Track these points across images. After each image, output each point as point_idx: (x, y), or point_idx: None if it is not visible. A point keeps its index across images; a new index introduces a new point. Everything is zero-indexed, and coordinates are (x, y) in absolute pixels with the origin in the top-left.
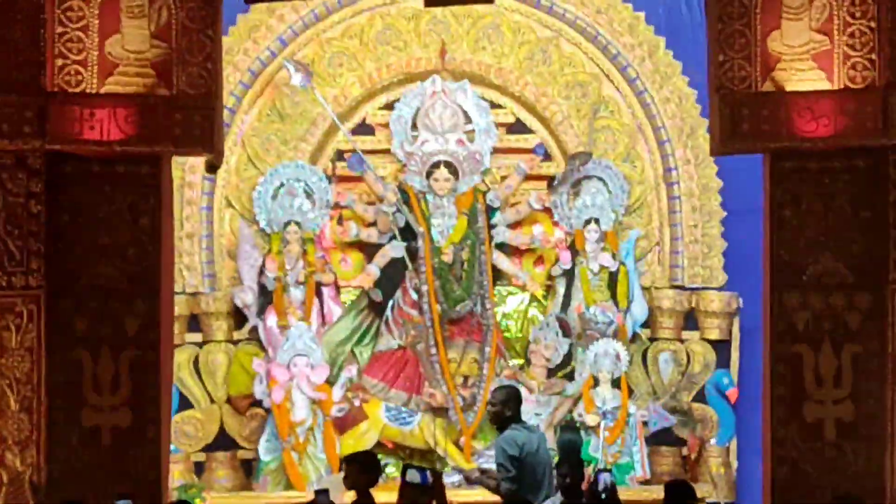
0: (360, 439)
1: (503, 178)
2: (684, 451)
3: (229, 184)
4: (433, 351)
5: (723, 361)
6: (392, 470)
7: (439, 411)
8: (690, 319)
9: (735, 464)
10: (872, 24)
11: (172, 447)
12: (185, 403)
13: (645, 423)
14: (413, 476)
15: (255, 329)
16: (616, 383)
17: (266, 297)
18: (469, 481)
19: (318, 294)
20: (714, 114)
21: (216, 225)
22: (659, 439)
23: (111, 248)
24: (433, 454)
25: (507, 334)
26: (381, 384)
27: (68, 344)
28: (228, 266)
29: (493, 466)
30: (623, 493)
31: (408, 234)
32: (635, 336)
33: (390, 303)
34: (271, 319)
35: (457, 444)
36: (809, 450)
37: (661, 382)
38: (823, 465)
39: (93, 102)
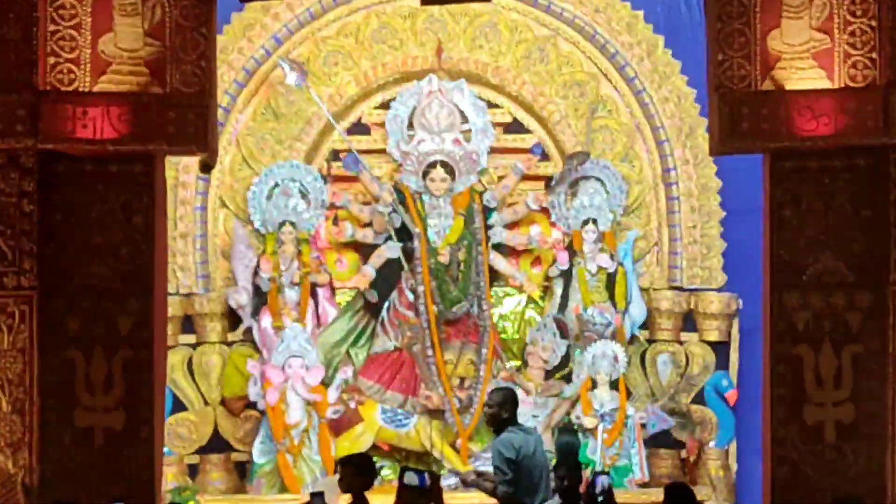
0: (356, 441)
1: (500, 178)
2: (683, 453)
3: (224, 183)
4: (429, 352)
5: (722, 363)
6: (388, 472)
7: (435, 413)
8: (689, 321)
9: (734, 466)
10: (873, 23)
11: (166, 449)
12: (179, 405)
13: (643, 426)
14: (411, 479)
15: (249, 330)
16: (614, 385)
17: (261, 298)
18: (465, 484)
19: (314, 295)
20: (713, 113)
21: (210, 225)
22: (658, 441)
23: (104, 247)
24: (429, 457)
25: (504, 336)
26: (377, 386)
27: (61, 344)
28: (223, 267)
29: (490, 469)
30: (621, 496)
31: (404, 234)
32: (633, 337)
33: (386, 304)
34: (266, 320)
35: (453, 446)
36: (810, 451)
37: (660, 384)
38: (824, 467)
39: (86, 101)
